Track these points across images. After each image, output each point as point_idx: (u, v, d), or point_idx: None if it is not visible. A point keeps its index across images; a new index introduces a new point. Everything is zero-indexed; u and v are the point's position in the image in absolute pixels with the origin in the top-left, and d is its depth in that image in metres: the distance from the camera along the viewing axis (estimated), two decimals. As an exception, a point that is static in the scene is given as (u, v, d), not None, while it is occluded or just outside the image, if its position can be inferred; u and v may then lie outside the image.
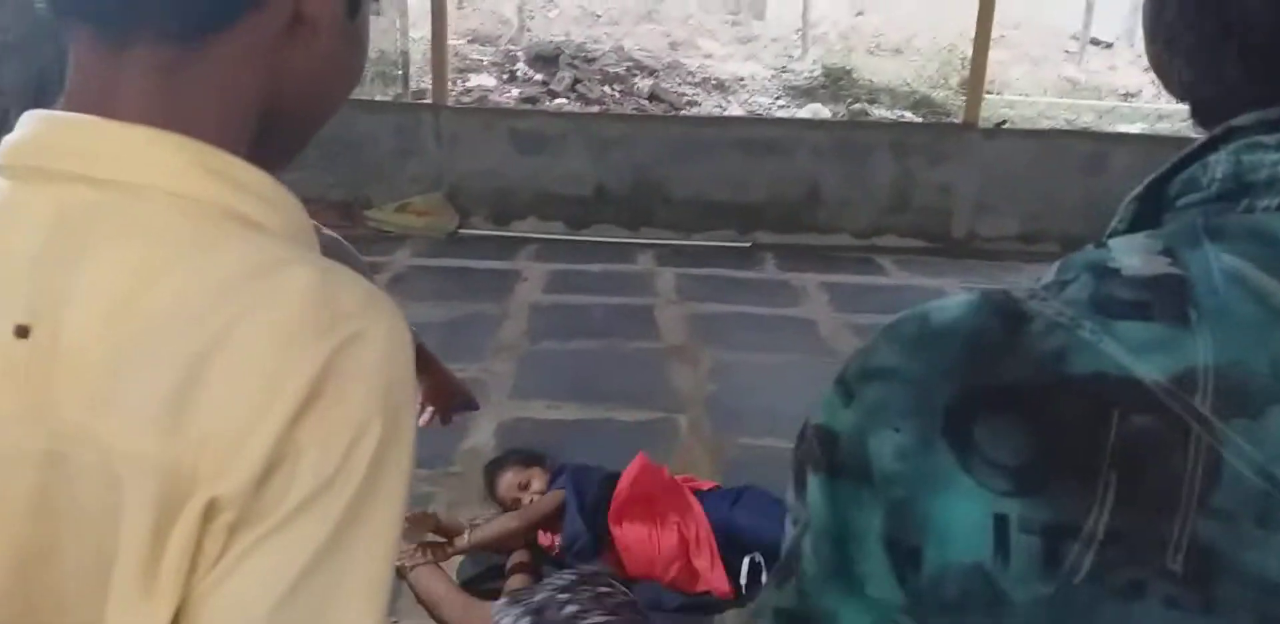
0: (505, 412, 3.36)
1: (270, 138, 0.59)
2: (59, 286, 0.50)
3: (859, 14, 11.51)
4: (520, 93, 8.68)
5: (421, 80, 8.54)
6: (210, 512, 0.49)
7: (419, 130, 6.22)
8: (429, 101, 6.68)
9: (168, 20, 0.53)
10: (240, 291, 0.50)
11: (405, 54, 9.50)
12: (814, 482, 0.50)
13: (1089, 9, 10.73)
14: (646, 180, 6.15)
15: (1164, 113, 8.46)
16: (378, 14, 7.55)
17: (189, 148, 0.53)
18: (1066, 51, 10.85)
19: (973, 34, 6.04)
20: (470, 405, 1.62)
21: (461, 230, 6.03)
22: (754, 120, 7.20)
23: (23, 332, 0.49)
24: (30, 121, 0.54)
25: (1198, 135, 0.52)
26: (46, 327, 0.49)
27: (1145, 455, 0.41)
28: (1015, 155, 6.04)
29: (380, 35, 8.14)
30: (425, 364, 1.50)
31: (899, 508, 0.45)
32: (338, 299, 0.52)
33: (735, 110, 8.16)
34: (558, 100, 8.50)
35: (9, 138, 0.54)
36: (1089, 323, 0.43)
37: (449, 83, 7.05)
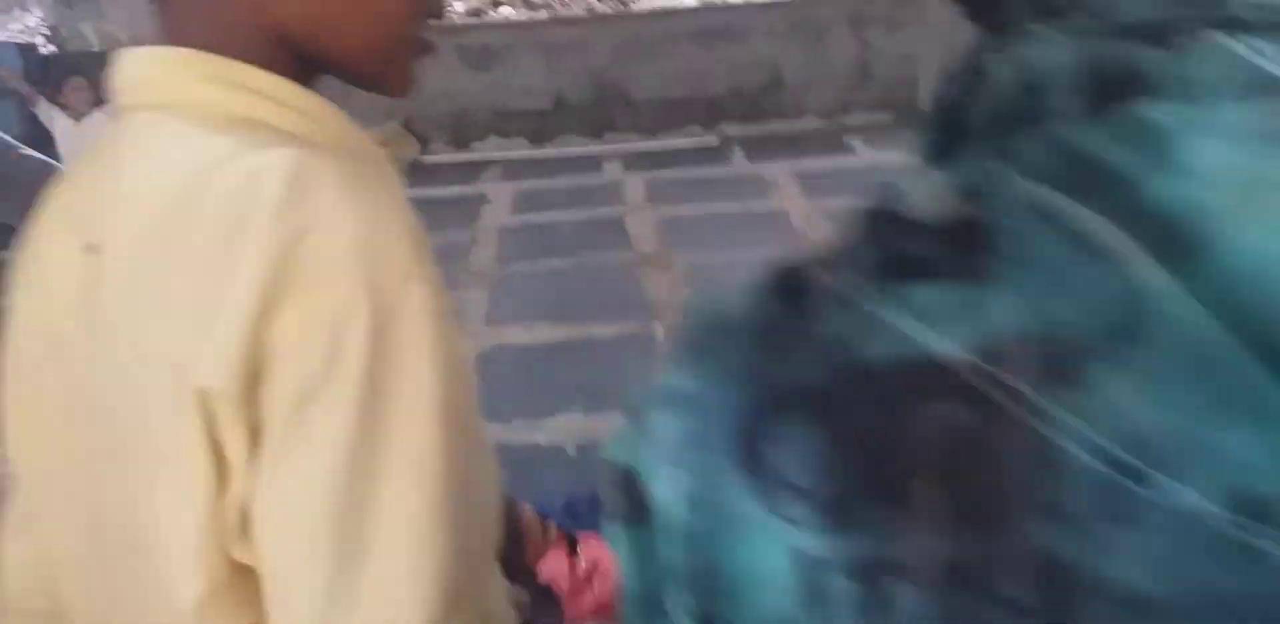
0: (483, 339, 3.39)
1: (306, 63, 0.60)
2: (106, 207, 0.55)
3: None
4: (465, 6, 8.37)
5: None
6: (205, 403, 0.51)
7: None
8: (370, 27, 6.46)
9: None
10: (213, 175, 0.52)
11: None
12: (614, 534, 0.39)
13: None
14: (605, 84, 6.01)
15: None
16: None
17: (196, 61, 0.56)
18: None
19: (918, -111, 5.75)
20: None
21: (422, 157, 5.92)
22: (707, 8, 6.94)
23: (93, 249, 0.55)
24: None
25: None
26: (104, 243, 0.55)
27: (960, 456, 0.32)
28: (977, 15, 5.86)
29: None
30: None
31: (699, 570, 0.36)
32: (304, 181, 0.51)
33: (687, 0, 7.88)
34: (503, 9, 8.19)
35: None
36: (872, 290, 0.34)
37: (387, 4, 6.79)
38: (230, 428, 0.51)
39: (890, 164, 5.06)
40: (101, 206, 0.56)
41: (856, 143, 5.68)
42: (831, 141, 5.71)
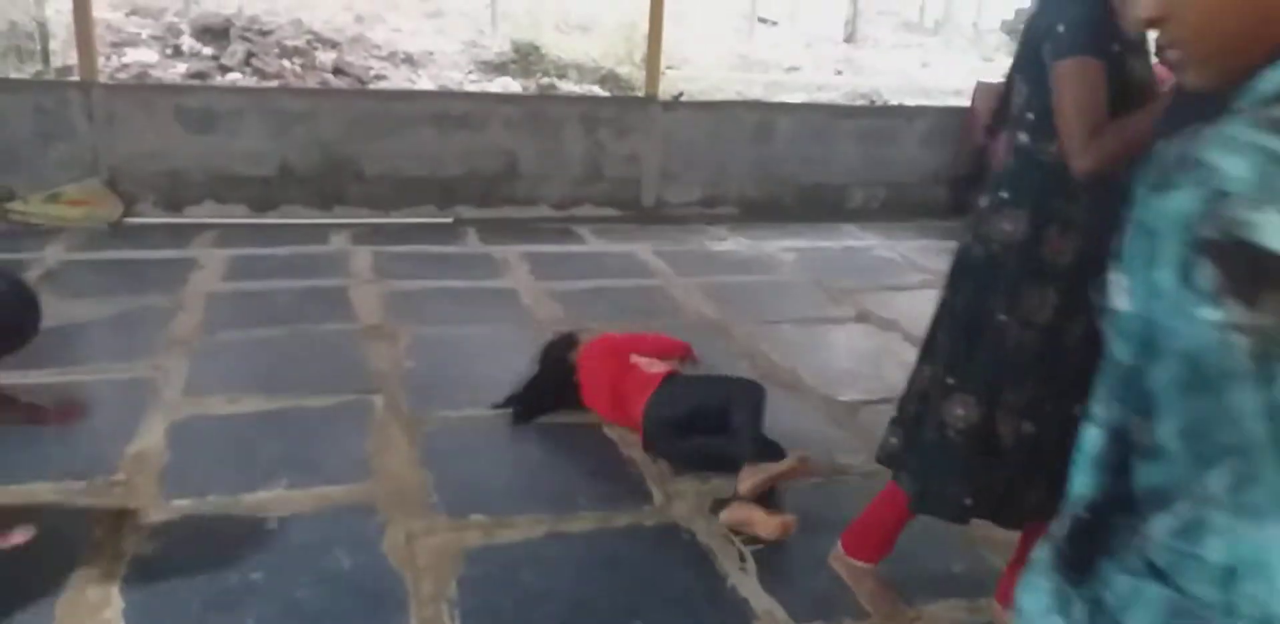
0: (179, 410, 3.11)
1: None
2: None
3: (547, -10, 11.63)
4: (188, 68, 7.96)
5: (67, 56, 7.59)
6: None
7: (66, 111, 5.54)
8: (76, 78, 5.97)
9: None
10: None
11: (43, 25, 8.39)
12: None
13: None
14: (335, 157, 5.89)
15: (820, 85, 9.28)
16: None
17: None
18: (737, 30, 11.62)
19: (649, 12, 6.30)
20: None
21: (127, 219, 5.46)
22: (445, 94, 7.07)
23: None
24: None
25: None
26: None
27: None
28: (692, 125, 6.41)
29: (8, 4, 7.15)
30: None
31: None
32: None
33: (426, 84, 7.98)
34: (231, 75, 7.88)
35: None
36: None
37: (100, 58, 6.34)
38: None
39: (617, 253, 5.34)
40: None
41: (585, 232, 5.93)
42: (561, 230, 5.94)
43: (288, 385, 3.33)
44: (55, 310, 3.99)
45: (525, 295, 4.60)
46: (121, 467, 2.73)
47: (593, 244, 5.69)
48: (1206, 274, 0.61)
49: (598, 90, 8.30)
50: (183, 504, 2.56)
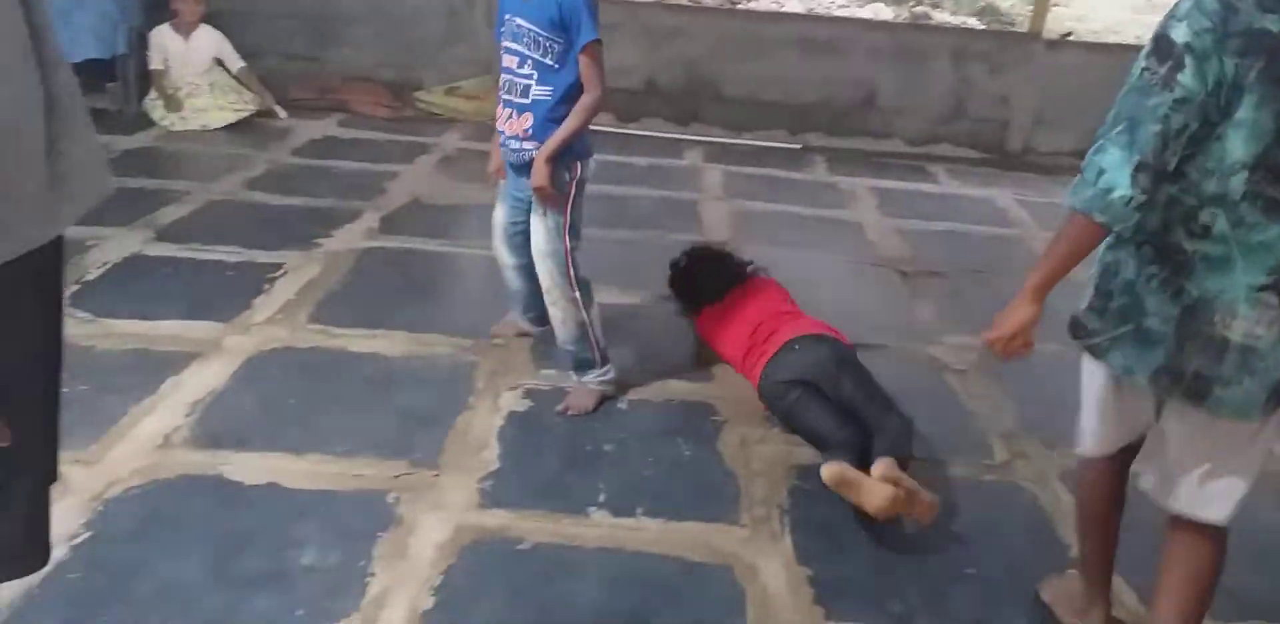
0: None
1: None
2: None
3: (929, -86, 10.93)
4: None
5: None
6: None
7: (471, 13, 6.08)
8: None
9: None
10: None
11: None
12: None
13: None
14: (698, 76, 6.02)
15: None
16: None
17: None
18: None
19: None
20: None
21: (508, 117, 5.96)
22: (813, 18, 6.95)
23: None
24: None
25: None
26: None
27: None
28: (1078, 69, 5.83)
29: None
30: None
31: None
32: None
33: (794, 7, 7.87)
34: (611, -11, 8.24)
35: None
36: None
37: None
38: None
39: (971, 197, 5.07)
40: None
41: (939, 172, 5.67)
42: (914, 167, 5.71)
43: (639, 284, 3.53)
44: (447, 191, 4.49)
45: (870, 230, 4.51)
46: (498, 333, 3.06)
47: (947, 185, 5.43)
48: (1150, 47, 1.45)
49: (974, 23, 7.76)
50: (549, 374, 2.83)
